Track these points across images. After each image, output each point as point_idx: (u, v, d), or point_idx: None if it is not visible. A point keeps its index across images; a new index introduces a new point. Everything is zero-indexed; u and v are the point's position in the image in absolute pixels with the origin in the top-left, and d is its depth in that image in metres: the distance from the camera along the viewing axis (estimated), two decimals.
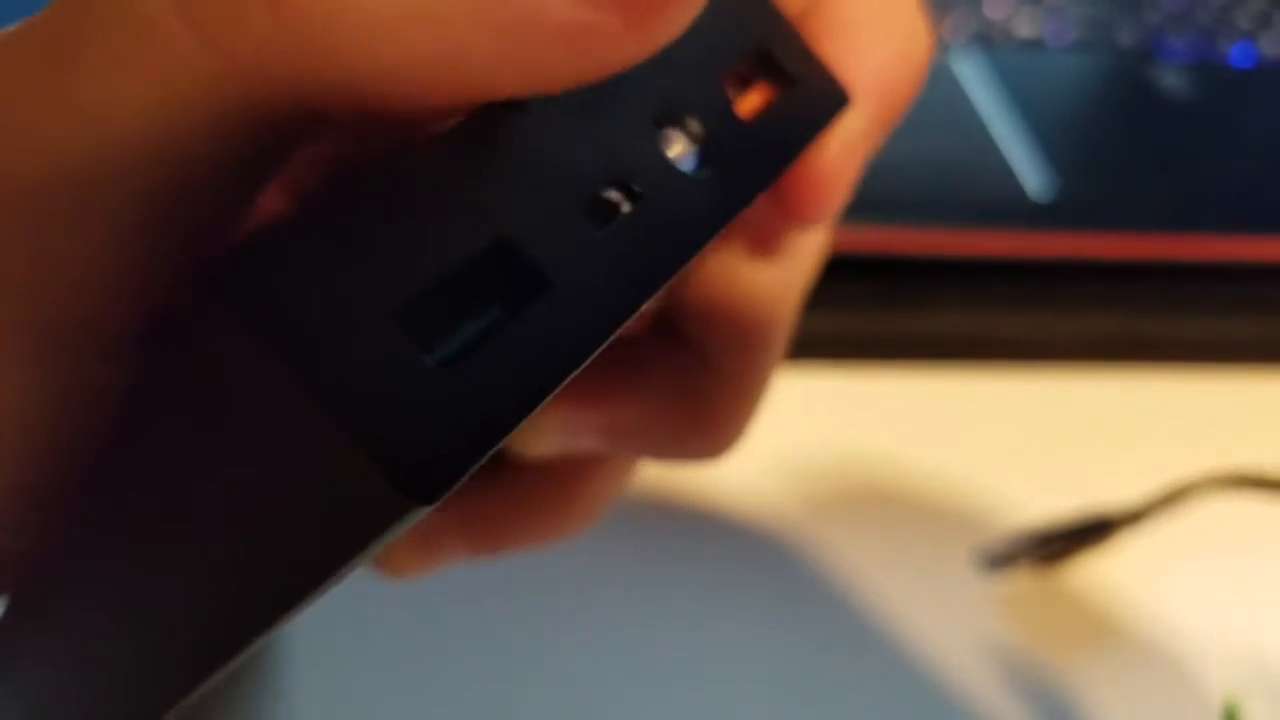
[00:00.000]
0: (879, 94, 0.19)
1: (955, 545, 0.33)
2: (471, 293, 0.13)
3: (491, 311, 0.13)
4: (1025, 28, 0.47)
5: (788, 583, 0.32)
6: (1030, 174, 0.39)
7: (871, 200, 0.34)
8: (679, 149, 0.15)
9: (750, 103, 0.17)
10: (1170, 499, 0.34)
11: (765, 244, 0.20)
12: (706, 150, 0.16)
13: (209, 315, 0.11)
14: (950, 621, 0.31)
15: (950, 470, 0.35)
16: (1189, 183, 0.40)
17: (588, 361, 0.13)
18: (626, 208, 0.14)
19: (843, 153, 0.18)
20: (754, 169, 0.16)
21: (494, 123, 0.13)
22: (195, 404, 0.12)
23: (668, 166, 0.15)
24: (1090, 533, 0.33)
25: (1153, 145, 0.42)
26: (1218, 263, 0.38)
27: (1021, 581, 0.33)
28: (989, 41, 0.46)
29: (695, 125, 0.16)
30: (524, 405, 0.12)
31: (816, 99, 0.18)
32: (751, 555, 0.32)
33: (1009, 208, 0.38)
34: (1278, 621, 0.32)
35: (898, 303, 0.37)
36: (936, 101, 0.42)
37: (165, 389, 0.13)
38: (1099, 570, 0.33)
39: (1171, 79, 0.45)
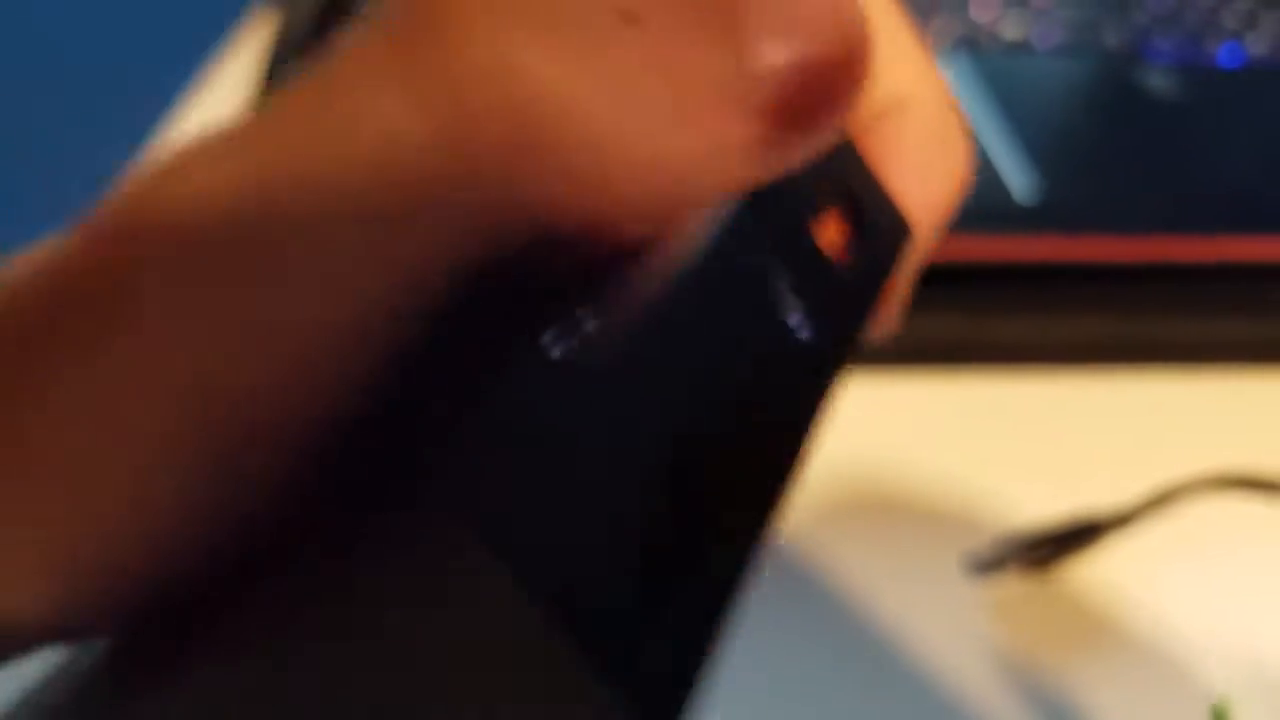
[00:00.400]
0: (935, 219, 0.19)
1: (947, 549, 0.33)
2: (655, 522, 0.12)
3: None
4: (1012, 30, 0.47)
5: (782, 587, 0.32)
6: (1017, 177, 0.39)
7: None
8: (791, 312, 0.15)
9: (830, 241, 0.16)
10: (1160, 500, 0.34)
11: None
12: (810, 308, 0.15)
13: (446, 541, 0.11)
14: (943, 624, 0.31)
15: (942, 474, 0.35)
16: (1177, 184, 0.40)
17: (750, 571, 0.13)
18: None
19: (907, 279, 0.19)
20: (851, 317, 0.16)
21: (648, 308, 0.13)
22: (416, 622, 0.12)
23: (790, 334, 0.15)
24: (1080, 535, 0.33)
25: (1140, 146, 0.42)
26: (1206, 264, 0.38)
27: (1013, 585, 0.33)
28: (975, 44, 0.46)
29: (795, 279, 0.15)
30: (722, 625, 0.12)
31: (885, 232, 0.17)
32: None
33: (996, 211, 0.38)
34: (1270, 620, 0.32)
35: None
36: None
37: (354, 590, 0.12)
38: (1089, 573, 0.33)
39: (1158, 80, 0.45)
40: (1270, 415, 0.38)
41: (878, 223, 0.17)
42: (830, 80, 0.14)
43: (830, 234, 0.16)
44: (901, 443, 0.36)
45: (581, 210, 0.13)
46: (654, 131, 0.13)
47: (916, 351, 0.37)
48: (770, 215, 0.15)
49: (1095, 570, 0.33)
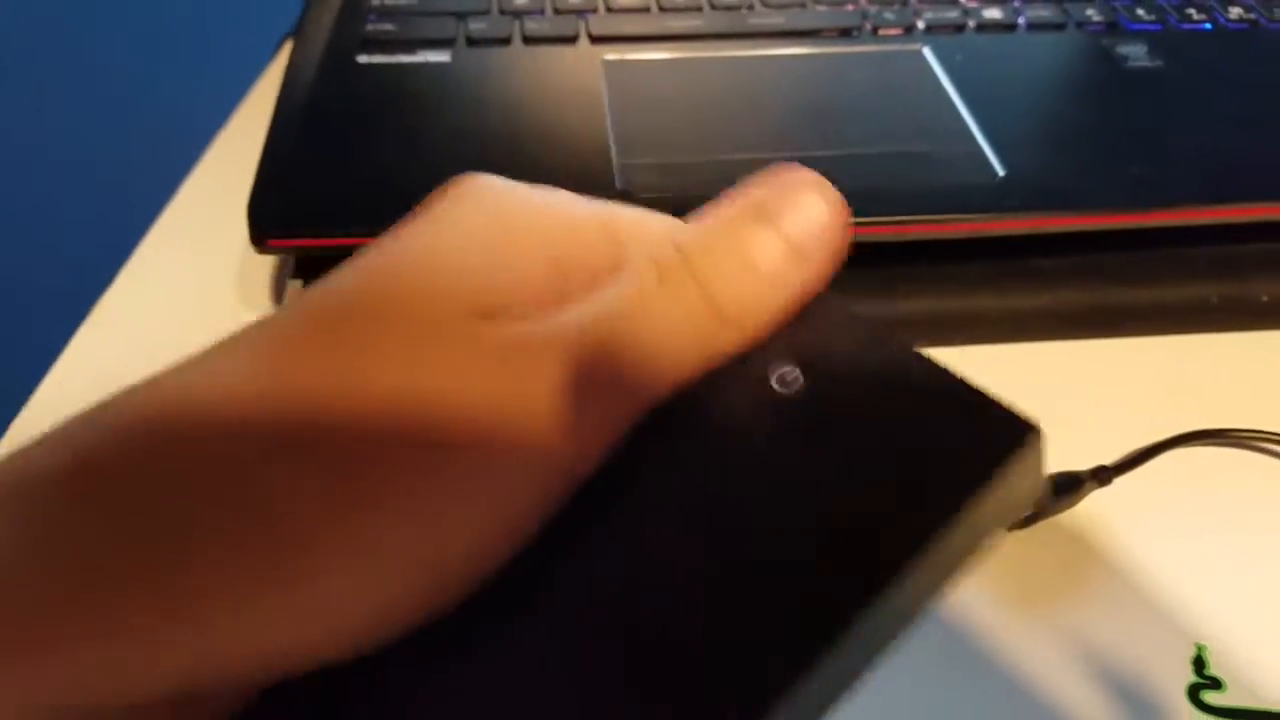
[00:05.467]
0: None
1: None
2: None
3: None
4: (996, 12, 0.48)
5: None
6: (991, 157, 0.40)
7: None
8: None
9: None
10: (1138, 457, 0.35)
11: None
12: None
13: None
14: None
15: None
16: (1145, 156, 0.40)
17: None
18: None
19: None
20: None
21: None
22: None
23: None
24: (1061, 490, 0.34)
25: (1112, 119, 0.42)
26: (1175, 228, 0.38)
27: (996, 540, 0.34)
28: (961, 29, 0.47)
29: None
30: None
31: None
32: None
33: (972, 191, 0.38)
34: (1248, 567, 0.33)
35: (873, 286, 0.38)
36: (911, 90, 0.43)
37: None
38: (1071, 527, 0.34)
39: (1133, 49, 0.46)
40: (1236, 371, 0.39)
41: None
42: None
43: None
44: None
45: None
46: None
47: (906, 326, 0.38)
48: None
49: (1076, 525, 0.34)
